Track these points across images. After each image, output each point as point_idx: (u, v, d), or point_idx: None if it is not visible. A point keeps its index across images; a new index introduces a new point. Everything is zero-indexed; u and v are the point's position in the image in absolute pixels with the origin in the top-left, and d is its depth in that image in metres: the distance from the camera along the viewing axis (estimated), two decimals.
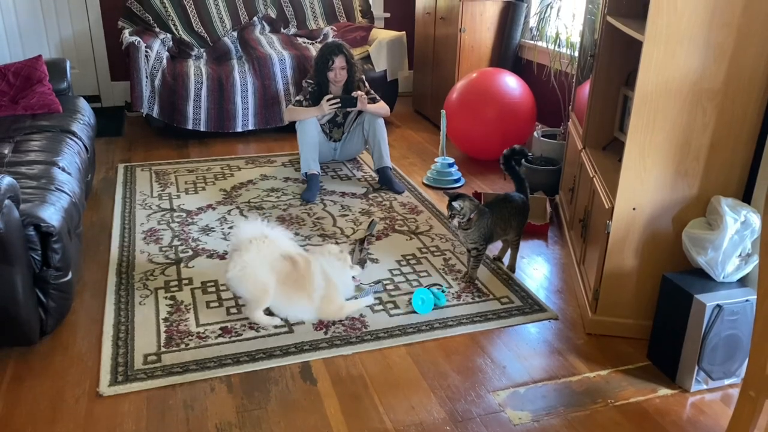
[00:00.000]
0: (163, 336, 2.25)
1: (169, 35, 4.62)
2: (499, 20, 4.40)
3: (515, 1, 4.37)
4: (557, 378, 2.10)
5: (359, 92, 3.61)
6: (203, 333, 2.28)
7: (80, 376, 2.05)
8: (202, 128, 4.38)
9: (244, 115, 4.45)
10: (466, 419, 1.90)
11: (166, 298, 2.49)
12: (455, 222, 2.53)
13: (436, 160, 3.77)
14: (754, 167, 2.06)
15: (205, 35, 4.75)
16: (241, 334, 2.27)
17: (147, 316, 2.36)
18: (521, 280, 2.70)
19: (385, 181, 3.63)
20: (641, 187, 2.12)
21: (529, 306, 2.49)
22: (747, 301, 1.96)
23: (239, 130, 4.47)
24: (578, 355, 2.22)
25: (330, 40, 3.81)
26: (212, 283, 2.60)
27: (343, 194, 3.55)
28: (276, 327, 2.32)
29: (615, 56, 2.65)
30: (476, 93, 3.93)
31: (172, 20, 4.68)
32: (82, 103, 3.56)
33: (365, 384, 2.05)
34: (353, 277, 2.51)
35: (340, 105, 3.57)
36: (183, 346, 2.20)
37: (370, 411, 1.93)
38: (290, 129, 4.15)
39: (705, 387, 2.05)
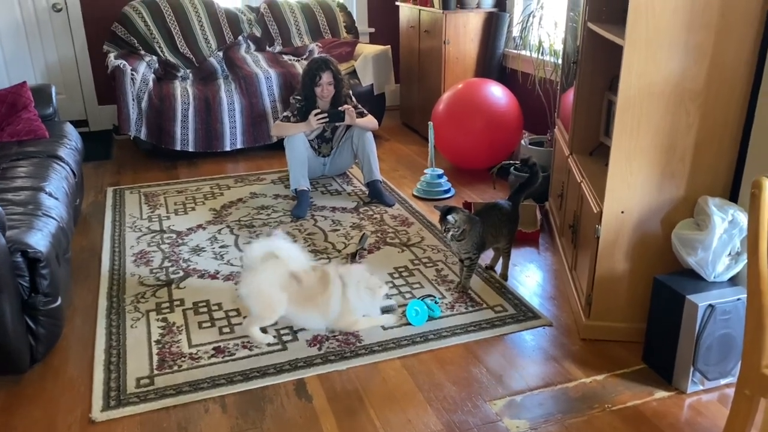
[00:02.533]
0: (155, 358, 2.23)
1: (154, 57, 4.63)
2: (482, 31, 4.43)
3: (497, 11, 4.40)
4: (553, 385, 2.09)
5: (347, 106, 3.61)
6: (196, 354, 2.25)
7: (72, 403, 2.03)
8: (191, 149, 4.38)
9: (232, 134, 4.45)
10: (464, 430, 1.89)
11: (157, 320, 2.47)
12: (450, 235, 2.53)
13: (425, 171, 3.77)
14: (739, 166, 2.07)
15: (191, 56, 4.76)
16: (234, 354, 2.25)
17: (139, 339, 2.34)
18: (514, 287, 2.69)
19: (375, 194, 3.63)
20: (628, 191, 2.12)
21: (522, 314, 2.49)
22: (738, 299, 1.96)
23: (228, 149, 4.47)
24: (573, 360, 2.21)
25: (316, 55, 3.82)
26: (204, 303, 2.58)
27: (334, 209, 3.54)
28: (269, 345, 2.30)
29: (598, 62, 2.66)
30: (463, 104, 3.94)
31: (157, 42, 4.69)
32: (69, 128, 3.55)
33: (360, 399, 2.03)
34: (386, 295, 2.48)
35: (327, 120, 3.57)
36: (176, 368, 2.18)
37: (367, 426, 1.92)
38: (279, 146, 4.14)
39: (701, 387, 2.04)
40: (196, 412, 1.98)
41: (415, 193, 3.75)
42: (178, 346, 2.30)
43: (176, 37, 4.75)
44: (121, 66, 4.18)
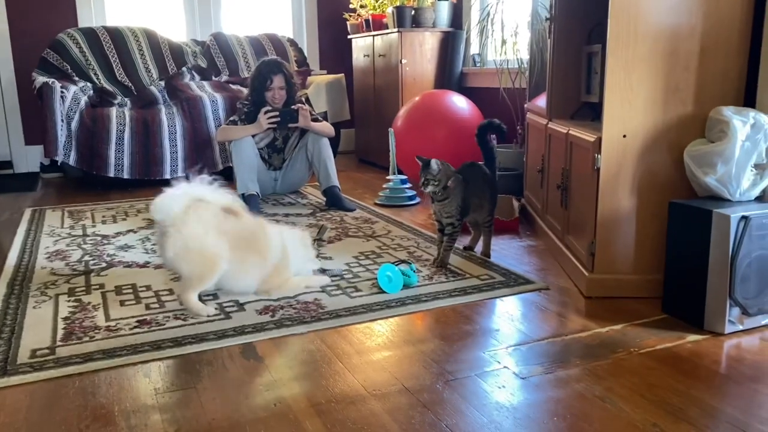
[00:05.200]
0: (60, 332, 1.76)
1: (89, 84, 4.31)
2: (439, 50, 4.31)
3: (453, 30, 4.31)
4: (563, 335, 1.72)
5: (300, 105, 3.34)
6: (114, 326, 1.80)
7: None
8: (126, 175, 3.97)
9: (173, 160, 4.08)
10: (461, 378, 1.48)
11: (69, 301, 2.01)
12: (429, 189, 2.21)
13: (388, 178, 3.47)
14: (751, 72, 1.84)
15: (130, 84, 4.46)
16: (164, 324, 1.81)
17: (41, 317, 1.87)
18: (498, 262, 2.35)
19: (333, 200, 3.29)
20: (629, 109, 1.86)
21: (513, 280, 2.13)
22: None
23: (167, 177, 4.07)
24: (582, 315, 1.86)
25: (267, 57, 3.58)
26: (128, 286, 2.13)
27: (287, 215, 3.17)
28: (209, 316, 1.86)
29: (573, 15, 2.48)
30: (423, 113, 3.72)
31: (93, 70, 4.38)
32: None
33: (327, 357, 1.61)
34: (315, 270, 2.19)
35: (279, 119, 3.28)
36: (86, 339, 1.72)
37: (336, 378, 1.49)
38: (226, 174, 3.81)
39: (740, 328, 1.70)
40: (109, 378, 1.51)
41: (378, 202, 3.42)
42: (92, 321, 1.84)
43: (114, 66, 4.46)
44: (50, 83, 3.84)
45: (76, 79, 4.30)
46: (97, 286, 2.14)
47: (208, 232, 1.88)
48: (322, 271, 2.19)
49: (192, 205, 1.92)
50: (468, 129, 3.70)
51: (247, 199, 3.18)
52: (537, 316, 1.85)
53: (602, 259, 1.96)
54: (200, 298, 1.98)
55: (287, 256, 2.01)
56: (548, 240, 2.52)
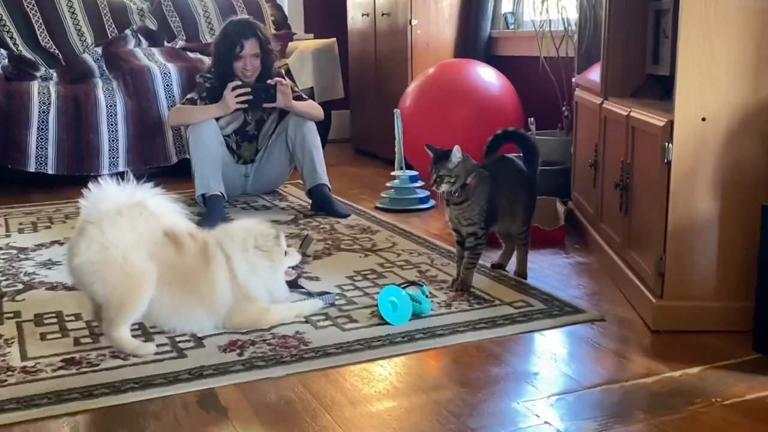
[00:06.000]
0: None
1: (4, 52, 4.35)
2: (461, 8, 4.36)
3: None
4: (623, 381, 1.72)
5: (279, 79, 3.37)
6: (32, 367, 1.81)
7: None
8: (50, 170, 4.00)
9: (113, 150, 4.11)
10: None
11: None
12: (443, 189, 2.22)
13: (393, 174, 3.50)
14: None
15: (57, 52, 4.51)
16: (98, 365, 1.82)
17: None
18: (537, 285, 2.37)
19: (322, 203, 3.31)
20: (710, 84, 1.88)
21: (557, 308, 2.14)
22: None
23: (106, 172, 4.09)
24: (647, 354, 1.88)
25: (236, 17, 3.61)
26: (52, 315, 2.16)
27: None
28: (156, 354, 1.87)
29: None
30: (439, 90, 3.77)
31: (9, 33, 4.44)
32: None
33: (311, 408, 1.61)
34: (292, 267, 2.19)
35: (251, 97, 3.30)
36: None
37: None
38: (182, 171, 3.90)
39: None
40: None
41: (380, 205, 3.45)
42: (3, 360, 1.86)
43: (37, 28, 4.54)
44: None
45: None
46: (11, 315, 2.17)
47: (137, 247, 1.88)
48: (309, 294, 2.22)
49: (130, 209, 1.92)
50: (498, 110, 3.73)
51: (208, 200, 3.20)
52: (588, 356, 1.87)
53: (674, 280, 1.97)
54: (145, 330, 1.99)
55: (245, 294, 2.01)
56: (603, 255, 2.54)
